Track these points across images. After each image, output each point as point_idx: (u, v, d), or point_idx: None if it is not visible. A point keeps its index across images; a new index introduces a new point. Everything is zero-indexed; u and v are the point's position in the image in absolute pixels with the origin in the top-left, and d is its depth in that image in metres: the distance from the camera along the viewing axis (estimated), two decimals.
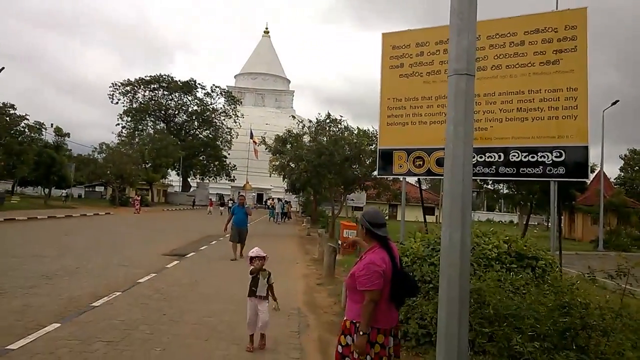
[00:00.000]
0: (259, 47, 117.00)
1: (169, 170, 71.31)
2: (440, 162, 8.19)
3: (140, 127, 73.83)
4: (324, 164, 24.91)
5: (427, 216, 11.12)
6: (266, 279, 6.12)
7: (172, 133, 71.02)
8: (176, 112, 78.15)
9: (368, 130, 25.99)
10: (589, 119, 7.18)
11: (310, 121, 29.09)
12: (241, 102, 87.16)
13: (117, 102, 73.76)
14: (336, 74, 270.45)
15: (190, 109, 78.11)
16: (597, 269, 4.40)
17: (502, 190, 35.39)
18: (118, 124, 72.31)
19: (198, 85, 76.81)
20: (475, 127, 7.25)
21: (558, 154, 7.21)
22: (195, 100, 77.70)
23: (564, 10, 7.52)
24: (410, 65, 8.68)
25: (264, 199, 78.40)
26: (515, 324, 3.90)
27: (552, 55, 7.33)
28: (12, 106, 36.22)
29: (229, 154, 77.17)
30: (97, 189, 66.42)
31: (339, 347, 3.79)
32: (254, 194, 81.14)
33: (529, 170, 7.46)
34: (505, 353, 3.95)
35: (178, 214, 48.15)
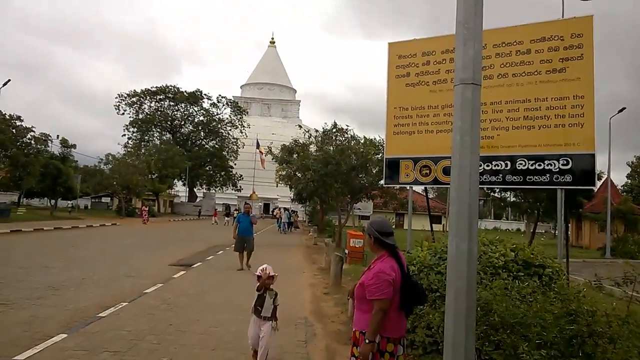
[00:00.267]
0: (265, 57, 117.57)
1: (175, 181, 71.50)
2: (446, 171, 8.17)
3: (146, 137, 74.20)
4: (331, 173, 24.94)
5: (433, 225, 11.08)
6: (273, 299, 5.75)
7: (178, 143, 71.24)
8: (182, 123, 78.48)
9: (374, 139, 26.08)
10: (596, 126, 7.16)
11: (316, 131, 29.16)
12: (247, 112, 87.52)
13: (123, 113, 74.27)
14: (342, 84, 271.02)
15: (196, 120, 78.41)
16: (604, 276, 4.38)
17: (509, 199, 35.27)
18: (124, 135, 72.75)
19: (204, 96, 77.22)
20: (482, 135, 7.25)
21: (565, 162, 7.18)
22: (202, 111, 78.04)
23: (570, 19, 7.52)
24: (416, 74, 8.69)
25: (271, 209, 78.33)
26: (521, 331, 3.88)
27: (559, 63, 7.32)
28: (19, 118, 36.49)
29: (235, 164, 77.32)
30: (104, 199, 66.64)
31: (352, 359, 3.77)
32: (260, 203, 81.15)
33: (535, 179, 7.44)
34: None
35: (184, 224, 48.22)
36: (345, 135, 27.14)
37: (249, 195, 74.84)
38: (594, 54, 7.17)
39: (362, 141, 26.42)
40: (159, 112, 76.20)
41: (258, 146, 72.86)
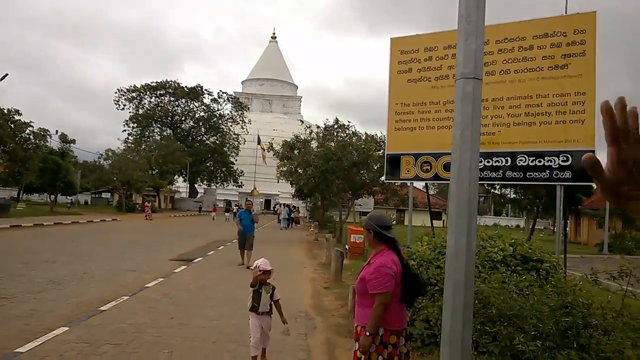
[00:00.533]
0: (266, 53, 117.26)
1: (176, 177, 71.41)
2: (447, 167, 8.19)
3: (146, 133, 74.02)
4: (332, 169, 24.94)
5: (434, 221, 11.11)
6: (270, 294, 5.46)
7: (179, 139, 71.09)
8: (183, 118, 78.31)
9: (376, 135, 26.07)
10: (597, 123, 7.17)
11: (318, 127, 29.15)
12: (248, 108, 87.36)
13: (123, 108, 74.00)
14: (345, 80, 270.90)
15: (197, 115, 78.23)
16: (600, 270, 4.42)
17: (509, 195, 35.26)
18: (125, 131, 72.62)
19: (205, 91, 76.95)
20: (483, 131, 7.28)
21: (565, 159, 7.21)
22: (202, 107, 77.83)
23: (573, 15, 7.53)
24: (418, 70, 8.70)
25: (272, 205, 78.32)
26: (518, 323, 3.92)
27: (561, 59, 7.33)
28: (17, 112, 36.44)
29: (236, 160, 77.18)
30: (104, 195, 66.63)
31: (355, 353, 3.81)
32: (261, 199, 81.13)
33: (535, 175, 7.46)
34: (507, 352, 3.97)
35: (185, 219, 48.24)
36: (347, 132, 27.13)
37: (250, 191, 74.79)
38: (596, 50, 7.18)
39: (363, 137, 26.41)
40: (159, 108, 76.00)
41: (259, 142, 72.73)
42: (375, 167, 25.62)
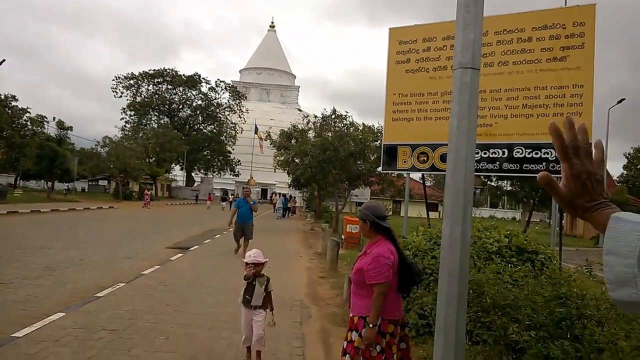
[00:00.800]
0: (265, 42, 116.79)
1: (173, 165, 71.34)
2: (444, 158, 8.19)
3: (144, 121, 73.80)
4: (329, 159, 24.95)
5: (430, 212, 11.13)
6: (264, 287, 5.16)
7: (176, 128, 70.89)
8: (180, 107, 78.08)
9: (373, 126, 26.06)
10: (594, 116, 7.18)
11: (315, 116, 29.11)
12: (246, 97, 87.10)
13: (120, 96, 73.80)
14: (344, 70, 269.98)
15: (194, 104, 78.04)
16: (594, 262, 4.45)
17: (505, 187, 35.38)
18: (122, 119, 72.42)
19: (202, 80, 76.72)
20: (481, 123, 7.28)
21: None
22: (200, 95, 77.63)
23: (573, 7, 7.50)
24: (416, 60, 8.67)
25: (269, 194, 78.34)
26: (512, 314, 3.95)
27: (559, 51, 7.31)
28: (14, 97, 36.26)
29: (233, 149, 77.11)
30: (101, 183, 66.54)
31: (346, 343, 3.82)
32: (258, 189, 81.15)
33: (532, 167, 7.47)
34: (501, 342, 4.01)
35: (182, 208, 48.24)
36: (344, 122, 27.11)
37: (246, 180, 74.77)
38: (595, 43, 7.17)
39: (360, 128, 26.40)
40: (156, 96, 75.73)
41: (256, 131, 72.55)
42: (372, 158, 25.64)
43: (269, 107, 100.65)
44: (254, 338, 5.07)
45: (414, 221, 12.47)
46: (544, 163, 7.36)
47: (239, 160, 78.19)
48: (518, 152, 7.59)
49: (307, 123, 29.07)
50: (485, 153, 7.83)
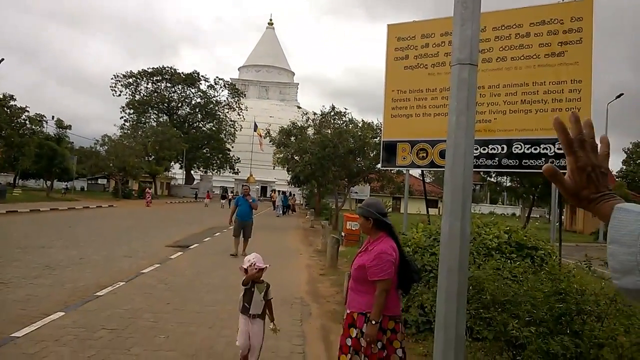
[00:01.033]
0: (263, 39, 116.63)
1: (172, 163, 71.31)
2: (443, 154, 8.19)
3: (143, 119, 73.76)
4: (328, 156, 24.94)
5: (430, 209, 11.11)
6: (263, 293, 4.78)
7: (175, 126, 70.82)
8: (179, 105, 78.01)
9: (372, 122, 26.03)
10: (593, 112, 7.17)
11: (314, 114, 29.09)
12: (245, 94, 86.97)
13: (119, 95, 73.71)
14: (343, 67, 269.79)
15: (193, 102, 77.97)
16: (594, 258, 4.45)
17: (505, 183, 35.41)
18: (122, 117, 72.35)
19: (201, 78, 76.61)
20: (479, 119, 7.27)
21: (560, 146, 7.21)
22: (199, 93, 77.54)
23: (570, 2, 7.48)
24: (415, 56, 8.65)
25: (268, 192, 78.35)
26: (512, 309, 3.95)
27: (557, 47, 7.30)
28: (12, 97, 36.20)
29: (232, 147, 77.08)
30: (100, 181, 66.52)
31: (348, 339, 3.81)
32: (257, 186, 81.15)
33: (531, 162, 7.47)
34: (501, 338, 4.01)
35: (181, 206, 48.23)
36: (343, 119, 27.10)
37: (246, 178, 74.77)
38: (593, 38, 7.16)
39: (360, 124, 26.38)
40: (155, 94, 75.63)
41: (256, 129, 72.51)
42: (371, 154, 25.63)
43: (268, 105, 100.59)
44: (250, 350, 4.75)
45: (413, 218, 12.47)
46: (543, 159, 7.35)
47: (239, 158, 78.16)
48: (517, 147, 7.58)
49: (307, 120, 29.05)
50: (484, 149, 7.82)
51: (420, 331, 5.89)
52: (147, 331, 6.18)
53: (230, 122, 77.62)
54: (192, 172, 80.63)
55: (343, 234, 18.07)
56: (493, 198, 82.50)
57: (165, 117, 75.76)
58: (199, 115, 78.34)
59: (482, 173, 29.87)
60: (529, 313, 3.88)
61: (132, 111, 73.16)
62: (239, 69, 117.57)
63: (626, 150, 63.95)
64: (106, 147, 51.81)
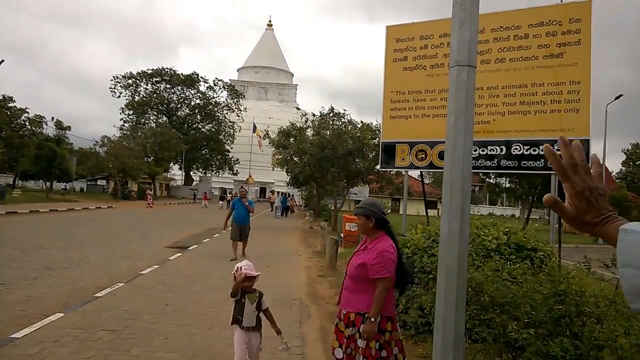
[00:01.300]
0: (262, 40, 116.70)
1: (172, 164, 71.29)
2: (442, 156, 8.19)
3: (142, 120, 73.71)
4: (327, 157, 24.94)
5: (429, 210, 11.13)
6: (255, 304, 4.31)
7: (175, 127, 70.75)
8: (178, 106, 77.98)
9: (371, 124, 26.03)
10: (592, 113, 7.18)
11: (313, 115, 29.09)
12: (244, 95, 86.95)
13: (119, 96, 73.65)
14: (343, 68, 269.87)
15: (192, 103, 77.96)
16: (593, 259, 4.44)
17: (504, 184, 35.45)
18: (121, 118, 72.35)
19: (200, 79, 76.59)
20: (478, 120, 7.28)
21: (559, 147, 7.21)
22: (198, 94, 77.54)
23: (569, 3, 7.50)
24: (414, 58, 8.67)
25: (267, 193, 78.32)
26: (511, 311, 3.95)
27: (556, 48, 7.31)
28: (11, 99, 36.20)
29: (231, 148, 77.08)
30: (99, 182, 66.49)
31: (345, 340, 3.82)
32: (256, 187, 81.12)
33: (530, 164, 7.48)
34: (500, 339, 4.01)
35: (180, 207, 48.19)
36: (342, 120, 27.10)
37: (245, 179, 74.74)
38: (591, 39, 7.17)
39: (359, 126, 26.39)
40: (155, 95, 75.58)
41: (255, 130, 72.47)
42: (370, 156, 25.64)
43: (267, 106, 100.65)
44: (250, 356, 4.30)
45: (412, 219, 12.47)
46: (542, 160, 7.37)
47: (238, 159, 78.13)
48: (516, 148, 7.59)
49: (306, 121, 29.06)
50: (483, 150, 7.83)
51: (420, 333, 5.89)
52: (146, 332, 6.18)
53: (229, 123, 77.64)
54: (191, 173, 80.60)
55: (342, 235, 18.08)
56: (492, 199, 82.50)
57: (164, 118, 75.72)
58: (198, 116, 78.31)
59: (481, 174, 29.94)
60: (528, 315, 3.88)
61: (131, 112, 73.11)
62: (238, 70, 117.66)
63: (625, 151, 64.05)
64: (105, 148, 51.84)
